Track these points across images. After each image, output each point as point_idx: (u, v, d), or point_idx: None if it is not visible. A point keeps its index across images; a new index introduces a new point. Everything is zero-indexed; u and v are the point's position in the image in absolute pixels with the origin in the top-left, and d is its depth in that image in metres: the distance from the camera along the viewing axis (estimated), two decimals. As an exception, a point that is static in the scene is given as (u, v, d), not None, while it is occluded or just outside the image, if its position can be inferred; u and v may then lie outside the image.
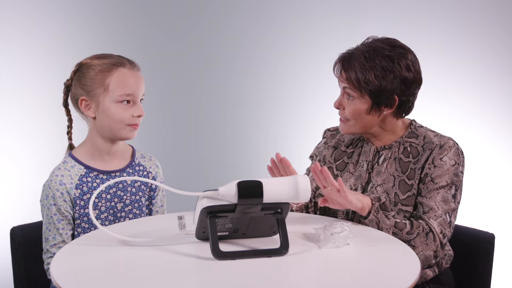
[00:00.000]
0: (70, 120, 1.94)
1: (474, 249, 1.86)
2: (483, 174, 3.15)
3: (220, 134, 3.46)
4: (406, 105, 1.85)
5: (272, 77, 3.39)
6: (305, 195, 1.52)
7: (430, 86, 3.14)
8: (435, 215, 1.75)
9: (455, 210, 1.78)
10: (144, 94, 1.90)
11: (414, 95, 1.86)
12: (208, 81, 3.42)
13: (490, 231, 1.92)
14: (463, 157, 1.83)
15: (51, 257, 1.83)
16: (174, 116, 3.44)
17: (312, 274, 1.39)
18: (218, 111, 3.45)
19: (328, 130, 2.06)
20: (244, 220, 1.51)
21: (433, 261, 1.77)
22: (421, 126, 1.90)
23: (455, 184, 1.78)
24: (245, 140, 3.44)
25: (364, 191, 1.88)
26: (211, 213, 1.45)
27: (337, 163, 1.96)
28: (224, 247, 1.45)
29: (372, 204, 1.71)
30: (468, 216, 2.98)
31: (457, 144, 1.83)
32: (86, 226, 1.86)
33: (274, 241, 1.52)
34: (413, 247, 1.69)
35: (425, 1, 3.18)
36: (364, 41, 1.86)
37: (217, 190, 1.49)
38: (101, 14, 3.26)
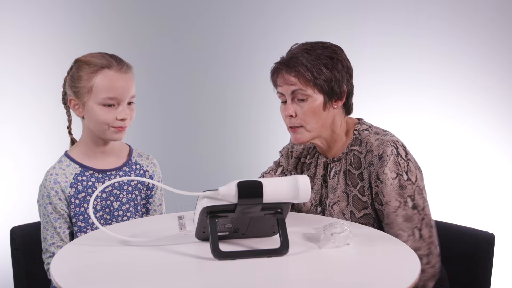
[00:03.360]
0: (69, 116, 1.94)
1: (474, 249, 1.86)
2: (483, 174, 3.15)
3: (220, 134, 3.46)
4: (350, 99, 1.82)
5: (272, 77, 3.39)
6: (305, 195, 1.52)
7: (430, 86, 3.15)
8: (402, 242, 1.65)
9: (424, 218, 1.72)
10: (135, 95, 1.87)
11: (353, 87, 1.83)
12: (208, 81, 3.43)
13: (490, 231, 1.92)
14: (408, 159, 1.73)
15: (51, 256, 1.84)
16: (174, 116, 3.44)
17: (312, 274, 1.39)
18: (218, 111, 3.45)
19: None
20: (244, 220, 1.51)
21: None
22: (366, 129, 1.82)
23: (409, 196, 1.71)
24: (245, 140, 3.44)
25: (323, 208, 1.85)
26: (211, 213, 1.45)
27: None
28: (224, 247, 1.45)
29: None
30: (468, 216, 2.99)
31: (397, 148, 1.73)
32: (83, 225, 1.86)
33: (274, 241, 1.52)
34: None
35: (425, 1, 3.18)
36: (292, 47, 1.83)
37: (217, 190, 1.49)
38: (101, 14, 3.26)
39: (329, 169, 1.85)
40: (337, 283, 1.34)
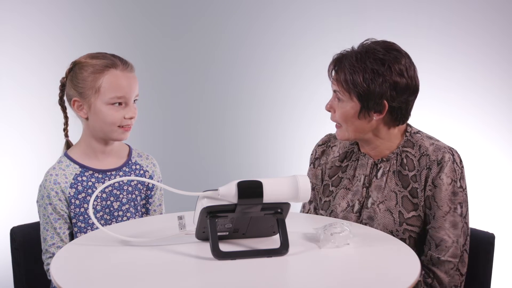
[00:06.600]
0: (66, 118, 1.94)
1: (474, 249, 1.86)
2: (483, 174, 3.15)
3: (220, 134, 3.46)
4: (398, 113, 1.78)
5: (273, 77, 3.39)
6: (305, 195, 1.52)
7: (430, 86, 3.15)
8: (446, 246, 1.74)
9: (464, 226, 1.77)
10: (138, 94, 1.88)
11: (407, 103, 1.78)
12: (208, 81, 3.42)
13: (490, 231, 1.92)
14: (462, 167, 1.77)
15: (51, 257, 1.84)
16: (174, 116, 3.44)
17: (312, 274, 1.39)
18: (218, 111, 3.45)
19: (318, 145, 1.99)
20: (244, 220, 1.51)
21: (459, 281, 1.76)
22: (417, 132, 1.84)
23: (459, 203, 1.76)
24: (245, 140, 3.44)
25: (362, 207, 1.84)
26: (211, 213, 1.45)
27: (333, 179, 1.92)
28: (224, 247, 1.45)
29: None
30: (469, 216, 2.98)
31: (453, 155, 1.76)
32: (83, 225, 1.86)
33: (274, 241, 1.52)
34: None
35: (425, 1, 3.18)
36: (363, 42, 1.81)
37: (217, 190, 1.49)
38: (101, 14, 3.26)
39: (376, 169, 1.85)
40: (337, 283, 1.34)
